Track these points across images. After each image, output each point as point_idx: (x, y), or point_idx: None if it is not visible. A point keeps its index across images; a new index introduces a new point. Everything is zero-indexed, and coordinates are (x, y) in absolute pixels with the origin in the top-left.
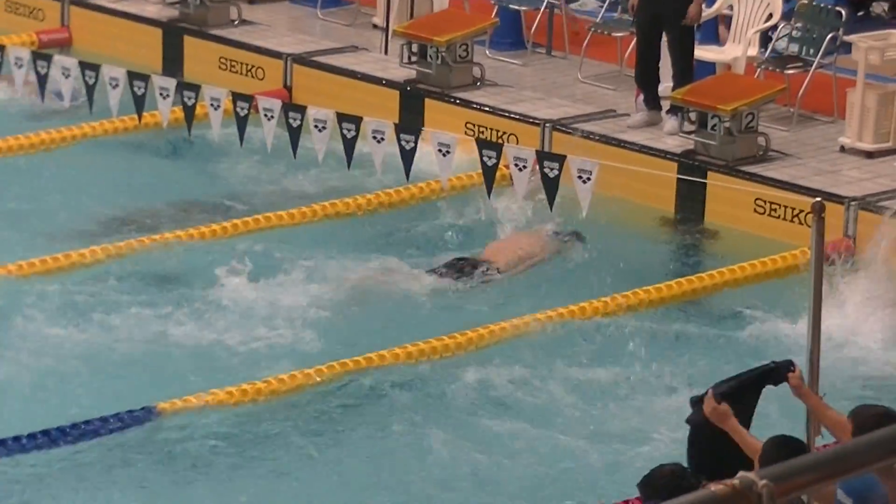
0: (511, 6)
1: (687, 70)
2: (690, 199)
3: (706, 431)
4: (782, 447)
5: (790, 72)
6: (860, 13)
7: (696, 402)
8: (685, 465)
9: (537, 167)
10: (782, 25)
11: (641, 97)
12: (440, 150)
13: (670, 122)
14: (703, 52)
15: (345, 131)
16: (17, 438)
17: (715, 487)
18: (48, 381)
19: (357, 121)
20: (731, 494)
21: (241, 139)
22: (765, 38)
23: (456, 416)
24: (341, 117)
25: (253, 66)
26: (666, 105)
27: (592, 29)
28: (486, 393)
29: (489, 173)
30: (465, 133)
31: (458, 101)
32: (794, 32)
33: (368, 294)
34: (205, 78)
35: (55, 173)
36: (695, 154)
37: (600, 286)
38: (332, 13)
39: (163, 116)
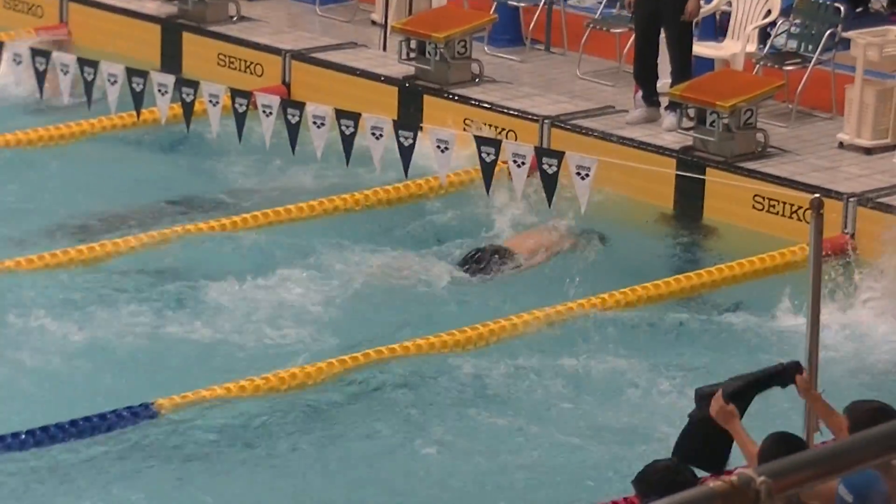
0: (510, 3)
1: (685, 66)
2: (689, 196)
3: (707, 429)
4: (781, 444)
5: (789, 68)
6: (859, 9)
7: (703, 397)
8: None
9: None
10: (781, 22)
11: (640, 93)
12: (438, 147)
13: (669, 119)
14: (701, 49)
15: (343, 128)
16: (15, 435)
17: (713, 484)
18: (47, 377)
19: (356, 117)
20: (729, 491)
21: (240, 136)
22: (763, 34)
23: (454, 413)
24: (340, 114)
25: (252, 63)
26: (664, 101)
27: (591, 25)
28: (482, 389)
29: (488, 170)
30: (465, 127)
31: (456, 98)
32: (792, 29)
33: (375, 288)
34: (203, 74)
35: (54, 169)
36: (693, 150)
37: (599, 283)
38: (331, 9)
39: (161, 113)
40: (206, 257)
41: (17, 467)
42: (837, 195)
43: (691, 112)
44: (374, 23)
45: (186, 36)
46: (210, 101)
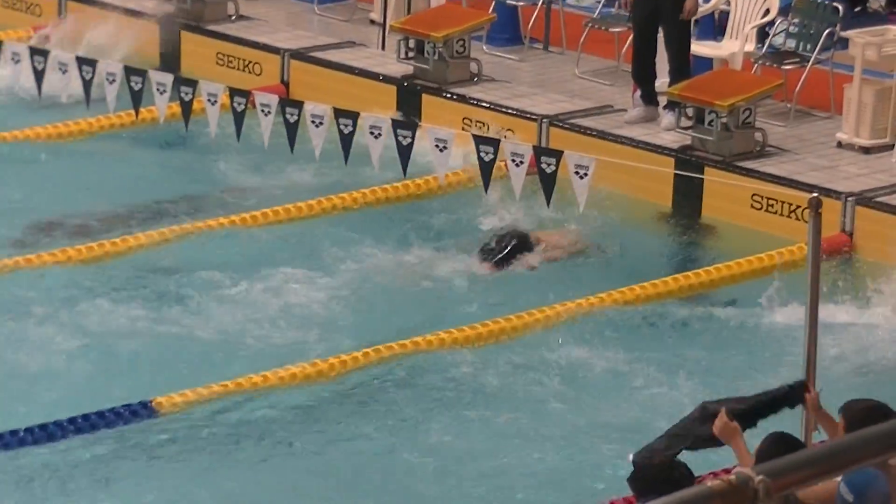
0: (508, 2)
1: (684, 66)
2: (687, 195)
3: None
4: (780, 444)
5: (787, 67)
6: (857, 9)
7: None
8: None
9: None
10: (779, 21)
11: (638, 93)
12: (437, 146)
13: (667, 118)
14: (700, 48)
15: (342, 127)
16: (14, 433)
17: (711, 482)
18: (46, 375)
19: (354, 116)
20: (727, 490)
21: (239, 135)
22: (762, 33)
23: (452, 411)
24: (338, 113)
25: (250, 62)
26: (663, 101)
27: (589, 24)
28: (481, 388)
29: (486, 169)
30: (464, 127)
31: (455, 97)
32: (791, 28)
33: (374, 287)
34: (202, 73)
35: (52, 168)
36: (692, 149)
37: (597, 282)
38: (330, 9)
39: (160, 112)
40: (204, 256)
41: (16, 465)
42: (836, 194)
43: (690, 111)
44: (372, 22)
45: (185, 35)
46: (209, 100)
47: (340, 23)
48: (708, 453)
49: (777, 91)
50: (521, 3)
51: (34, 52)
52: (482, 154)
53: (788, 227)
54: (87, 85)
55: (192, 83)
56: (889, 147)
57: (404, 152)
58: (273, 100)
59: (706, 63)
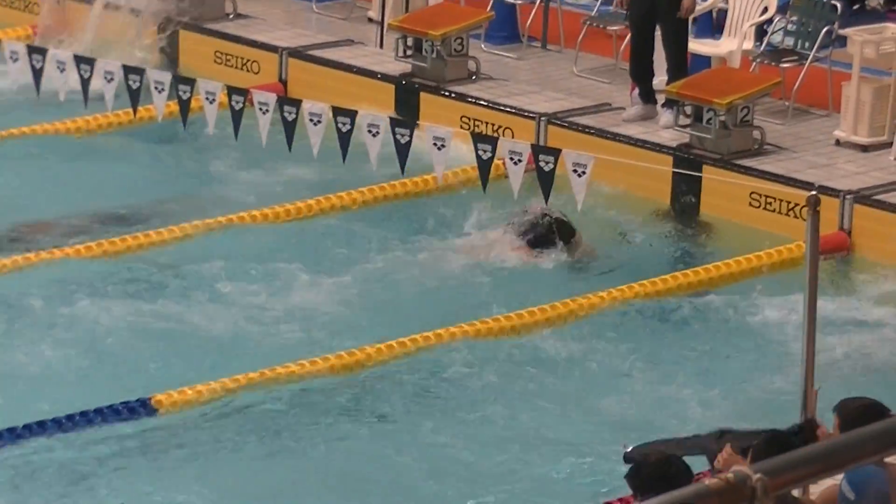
0: (506, 0)
1: (681, 64)
2: (686, 193)
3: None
4: (773, 443)
5: (785, 65)
6: (855, 6)
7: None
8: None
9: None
10: (778, 19)
11: (637, 91)
12: (435, 144)
13: (665, 116)
14: (698, 46)
15: (340, 125)
16: (12, 430)
17: (709, 481)
18: (44, 372)
19: (352, 114)
20: (725, 488)
21: (237, 133)
22: (760, 31)
23: (449, 408)
24: (337, 111)
25: (248, 60)
26: (661, 99)
27: (587, 22)
28: (479, 386)
29: (484, 167)
30: (462, 125)
31: (453, 95)
32: (789, 26)
33: (371, 285)
34: (200, 72)
35: (49, 167)
36: (690, 148)
37: (596, 280)
38: (328, 7)
39: (157, 110)
40: (202, 254)
41: (15, 462)
42: (834, 192)
43: (688, 109)
44: (370, 20)
45: (183, 33)
46: (207, 99)
47: (338, 21)
48: None
49: (775, 89)
50: (519, 2)
51: (32, 50)
52: (480, 152)
53: (787, 225)
54: (85, 83)
55: (191, 81)
56: (887, 145)
57: (402, 150)
58: (271, 98)
59: (704, 61)
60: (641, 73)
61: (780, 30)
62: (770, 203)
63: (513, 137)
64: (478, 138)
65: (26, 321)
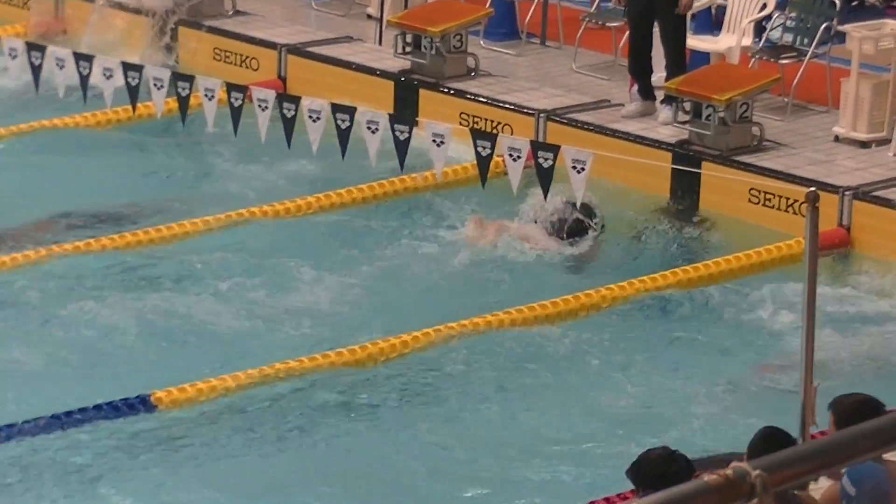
0: None
1: (680, 60)
2: (685, 189)
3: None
4: (770, 439)
5: (784, 62)
6: (854, 2)
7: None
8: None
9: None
10: (776, 15)
11: (636, 87)
12: (434, 141)
13: (664, 112)
14: (697, 42)
15: (339, 122)
16: (11, 426)
17: (708, 477)
18: (43, 369)
19: (351, 111)
20: (724, 484)
21: (236, 130)
22: (759, 27)
23: (448, 406)
24: (336, 108)
25: (247, 57)
26: (660, 95)
27: (586, 19)
28: (478, 383)
29: (483, 163)
30: (461, 122)
31: (452, 92)
32: (788, 22)
33: (368, 283)
34: (199, 69)
35: (47, 164)
36: (689, 144)
37: (594, 277)
38: (327, 4)
39: (156, 107)
40: (201, 252)
41: (13, 458)
42: (833, 189)
43: (687, 106)
44: (369, 17)
45: (182, 30)
46: (206, 96)
47: (337, 18)
48: (708, 445)
49: (774, 85)
50: None
51: (31, 47)
52: (479, 149)
53: (786, 222)
54: (84, 80)
55: (189, 78)
56: (886, 141)
57: (401, 147)
58: (270, 95)
59: (703, 57)
60: (640, 70)
61: (778, 26)
62: (769, 199)
63: (512, 134)
64: (477, 135)
65: (25, 318)
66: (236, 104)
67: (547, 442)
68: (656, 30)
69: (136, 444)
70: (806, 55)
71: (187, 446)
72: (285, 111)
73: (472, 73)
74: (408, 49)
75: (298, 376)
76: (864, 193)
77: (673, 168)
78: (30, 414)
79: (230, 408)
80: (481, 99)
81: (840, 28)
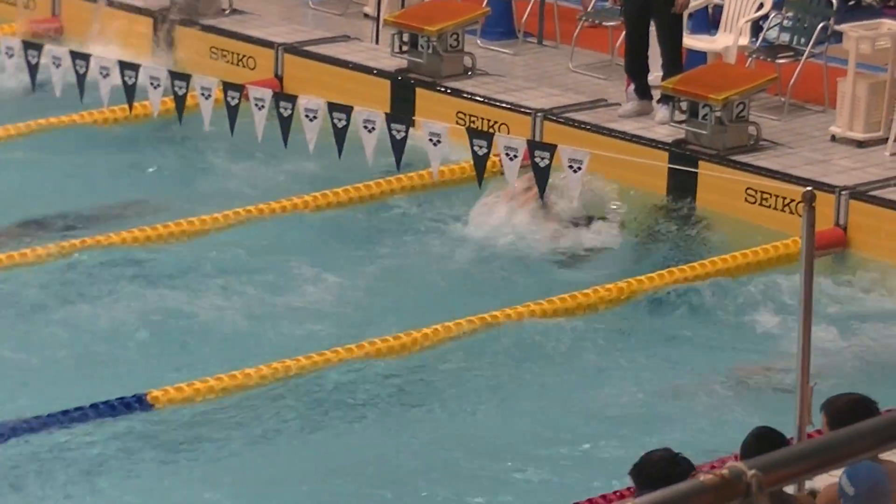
0: None
1: (676, 59)
2: (681, 189)
3: None
4: (763, 439)
5: (781, 61)
6: (851, 2)
7: None
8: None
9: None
10: (773, 15)
11: (632, 87)
12: (431, 140)
13: (661, 112)
14: (694, 42)
15: (336, 121)
16: (4, 424)
17: (703, 477)
18: (41, 368)
19: (348, 110)
20: (720, 484)
21: (232, 129)
22: (756, 27)
23: (447, 405)
24: (332, 107)
25: (244, 56)
26: (657, 94)
27: (583, 18)
28: (477, 383)
29: (480, 163)
30: (458, 121)
31: (448, 91)
32: (785, 22)
33: (365, 282)
34: (196, 68)
35: (44, 163)
36: (686, 143)
37: (592, 276)
38: (324, 3)
39: (153, 106)
40: (199, 251)
41: (10, 457)
42: (830, 188)
43: (684, 105)
44: (366, 16)
45: (179, 29)
46: (202, 95)
47: (334, 17)
48: (705, 443)
49: (771, 85)
50: None
51: (28, 45)
52: (476, 148)
53: (782, 221)
54: (80, 79)
55: (186, 77)
56: (883, 141)
57: (398, 146)
58: (267, 94)
59: (700, 57)
60: (637, 69)
61: (775, 25)
62: (766, 199)
63: (508, 133)
64: (473, 134)
65: (21, 316)
66: (233, 103)
67: (546, 441)
68: (653, 29)
69: (133, 443)
70: (803, 55)
71: (184, 446)
72: (282, 110)
73: (469, 73)
74: (404, 48)
75: (296, 376)
76: (860, 193)
77: (670, 167)
78: (25, 412)
79: (227, 407)
80: (478, 98)
81: (837, 28)
